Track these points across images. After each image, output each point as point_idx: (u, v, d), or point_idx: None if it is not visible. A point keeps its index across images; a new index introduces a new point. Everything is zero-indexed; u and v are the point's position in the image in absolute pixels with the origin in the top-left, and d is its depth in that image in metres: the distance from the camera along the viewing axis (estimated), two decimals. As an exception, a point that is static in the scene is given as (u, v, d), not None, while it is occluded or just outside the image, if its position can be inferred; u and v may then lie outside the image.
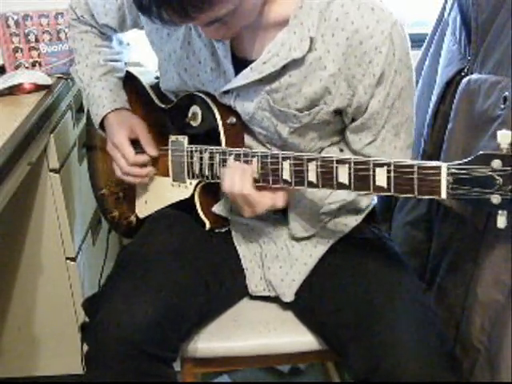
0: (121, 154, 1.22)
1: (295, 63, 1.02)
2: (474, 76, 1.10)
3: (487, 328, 1.06)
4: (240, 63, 1.06)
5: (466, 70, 1.14)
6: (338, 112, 1.07)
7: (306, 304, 1.13)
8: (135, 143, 1.23)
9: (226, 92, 1.10)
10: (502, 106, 1.00)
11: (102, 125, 1.26)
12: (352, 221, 1.15)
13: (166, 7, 0.86)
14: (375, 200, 1.23)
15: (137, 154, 1.21)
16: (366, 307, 1.02)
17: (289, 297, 1.14)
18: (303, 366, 1.75)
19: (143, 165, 1.23)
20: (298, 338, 1.15)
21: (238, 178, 1.02)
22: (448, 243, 1.20)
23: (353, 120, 1.08)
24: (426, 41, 1.43)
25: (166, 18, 0.88)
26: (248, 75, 1.05)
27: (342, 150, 1.12)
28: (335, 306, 1.07)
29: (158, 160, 1.24)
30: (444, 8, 1.36)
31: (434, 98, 1.27)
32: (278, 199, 1.04)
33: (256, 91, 1.07)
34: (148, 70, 1.41)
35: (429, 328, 1.00)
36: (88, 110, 1.31)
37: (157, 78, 1.30)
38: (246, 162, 1.04)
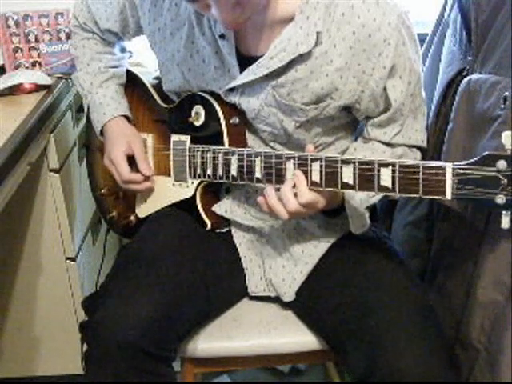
0: (116, 171, 1.22)
1: (302, 58, 1.02)
2: (475, 76, 1.09)
3: (487, 328, 1.06)
4: (244, 60, 1.07)
5: (466, 71, 1.14)
6: (347, 108, 1.08)
7: (306, 303, 1.13)
8: (132, 159, 1.23)
9: (231, 90, 1.10)
10: (502, 106, 1.00)
11: (102, 132, 1.27)
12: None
13: None
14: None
15: (132, 172, 1.21)
16: (365, 305, 1.02)
17: (290, 296, 1.14)
18: (303, 366, 1.75)
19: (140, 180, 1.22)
20: (298, 337, 1.15)
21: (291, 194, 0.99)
22: (448, 243, 1.20)
23: (367, 117, 1.09)
24: (426, 41, 1.43)
25: None
26: (255, 71, 1.05)
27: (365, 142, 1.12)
28: (335, 305, 1.07)
29: (160, 160, 1.24)
30: (444, 8, 1.35)
31: (435, 99, 1.26)
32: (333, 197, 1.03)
33: (261, 87, 1.07)
34: (148, 70, 1.41)
35: (428, 327, 1.00)
36: (88, 111, 1.31)
37: (156, 78, 1.30)
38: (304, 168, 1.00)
